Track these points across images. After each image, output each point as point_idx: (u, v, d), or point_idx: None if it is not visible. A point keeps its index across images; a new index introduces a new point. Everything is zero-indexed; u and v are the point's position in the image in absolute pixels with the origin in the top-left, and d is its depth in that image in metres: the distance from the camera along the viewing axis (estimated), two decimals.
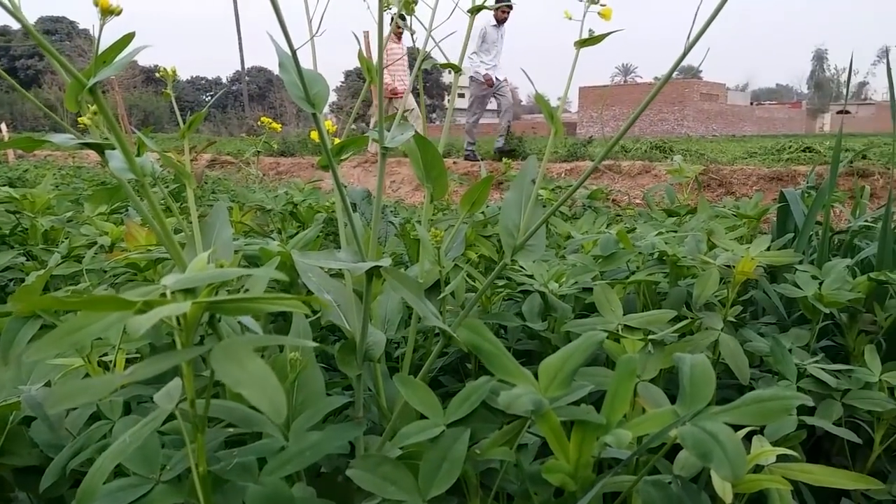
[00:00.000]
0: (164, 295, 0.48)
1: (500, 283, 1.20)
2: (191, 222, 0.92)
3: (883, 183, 5.52)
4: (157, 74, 0.87)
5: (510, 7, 8.09)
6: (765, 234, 1.87)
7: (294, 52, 0.62)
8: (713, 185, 6.19)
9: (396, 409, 0.82)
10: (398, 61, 8.33)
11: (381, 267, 0.69)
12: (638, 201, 5.48)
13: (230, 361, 0.41)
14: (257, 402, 0.38)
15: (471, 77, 8.11)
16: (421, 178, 0.93)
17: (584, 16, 0.71)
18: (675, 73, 0.69)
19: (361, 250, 0.76)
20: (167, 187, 2.05)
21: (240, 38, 31.76)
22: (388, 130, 0.92)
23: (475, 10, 0.98)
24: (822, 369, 1.03)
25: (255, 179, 3.42)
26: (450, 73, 1.02)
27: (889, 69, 1.81)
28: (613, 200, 5.23)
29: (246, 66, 40.27)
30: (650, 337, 0.85)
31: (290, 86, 0.64)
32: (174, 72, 0.84)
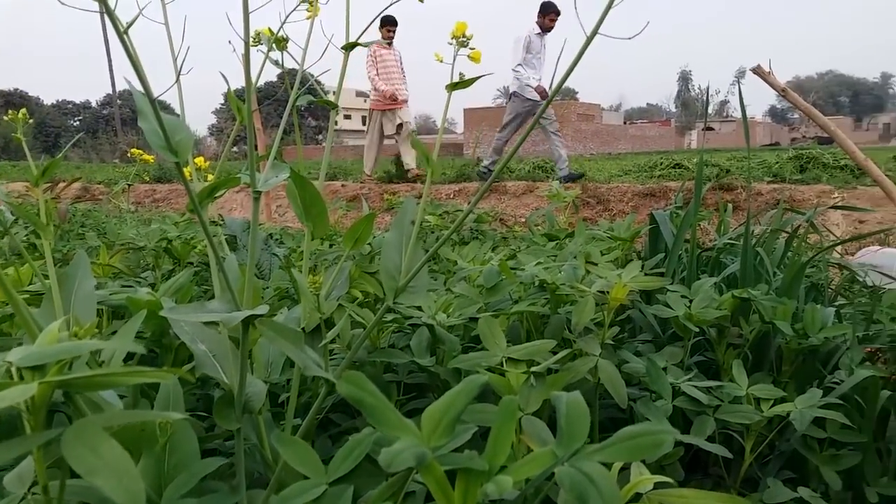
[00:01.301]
0: (8, 372, 0.44)
1: (389, 317, 1.19)
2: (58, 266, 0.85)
3: (745, 196, 5.95)
4: (6, 118, 0.80)
5: (558, 13, 7.24)
6: (638, 252, 1.97)
7: (153, 101, 0.59)
8: (592, 203, 6.47)
9: (281, 460, 0.79)
10: (393, 68, 7.91)
11: (256, 317, 0.67)
12: (524, 220, 5.64)
13: (82, 447, 0.38)
14: (112, 493, 0.35)
15: (513, 93, 7.47)
16: (300, 217, 0.90)
17: (454, 59, 0.72)
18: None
19: (235, 298, 0.73)
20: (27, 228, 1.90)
21: (110, 60, 30.26)
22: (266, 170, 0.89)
23: (349, 47, 0.97)
24: (695, 387, 1.09)
25: (127, 212, 3.25)
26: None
27: (740, 93, 1.96)
28: (501, 220, 5.35)
29: (118, 89, 38.39)
30: (532, 369, 0.86)
31: (151, 134, 0.60)
32: (24, 116, 0.78)
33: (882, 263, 2.10)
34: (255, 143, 0.83)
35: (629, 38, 0.58)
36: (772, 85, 3.43)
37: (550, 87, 0.64)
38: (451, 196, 7.27)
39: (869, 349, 1.43)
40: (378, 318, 0.76)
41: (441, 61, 0.73)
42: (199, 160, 1.14)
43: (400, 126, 8.04)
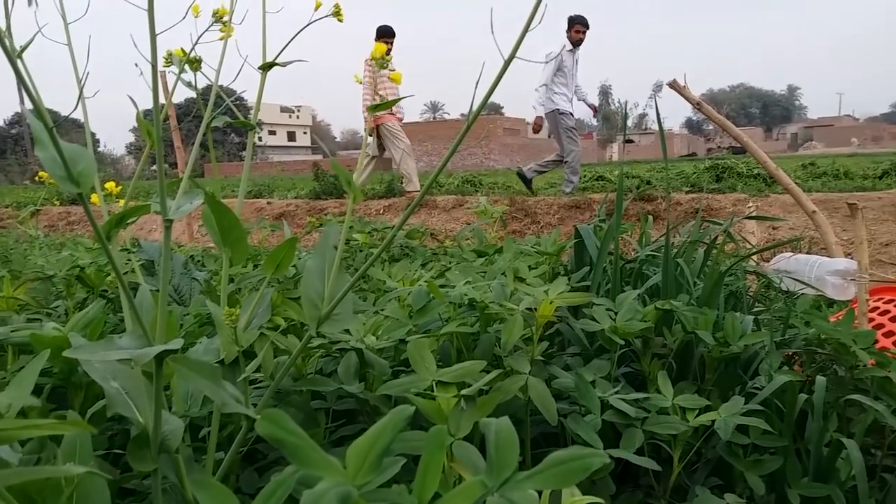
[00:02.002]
0: None
1: (316, 342, 1.16)
2: None
3: (665, 206, 6.15)
4: None
5: (587, 27, 6.82)
6: (565, 265, 1.99)
7: (51, 130, 0.55)
8: (520, 216, 6.55)
9: None
10: (390, 80, 7.31)
11: (169, 352, 0.63)
12: (454, 234, 5.65)
13: None
14: None
15: (548, 114, 6.99)
16: (218, 243, 0.87)
17: (374, 81, 0.71)
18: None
19: (147, 332, 0.69)
20: None
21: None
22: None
23: (266, 67, 0.95)
24: (623, 399, 1.10)
25: (36, 238, 3.08)
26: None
27: (657, 106, 2.02)
28: (432, 235, 5.35)
29: (28, 106, 36.66)
30: (462, 392, 0.85)
31: (49, 164, 0.56)
32: None
33: (795, 269, 2.20)
34: (166, 165, 0.80)
35: (546, 62, 0.59)
36: (687, 98, 3.57)
37: (470, 109, 0.63)
38: (381, 212, 7.23)
39: (786, 353, 1.48)
40: (301, 346, 0.74)
41: (360, 83, 0.72)
42: (110, 185, 1.09)
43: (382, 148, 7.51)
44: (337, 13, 0.88)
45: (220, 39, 0.85)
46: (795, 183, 2.99)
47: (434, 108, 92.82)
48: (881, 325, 1.69)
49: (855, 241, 1.78)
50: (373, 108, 0.71)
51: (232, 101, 1.03)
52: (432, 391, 0.88)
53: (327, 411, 1.14)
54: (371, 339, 1.15)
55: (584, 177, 8.71)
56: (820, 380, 1.22)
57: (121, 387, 0.77)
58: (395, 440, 0.56)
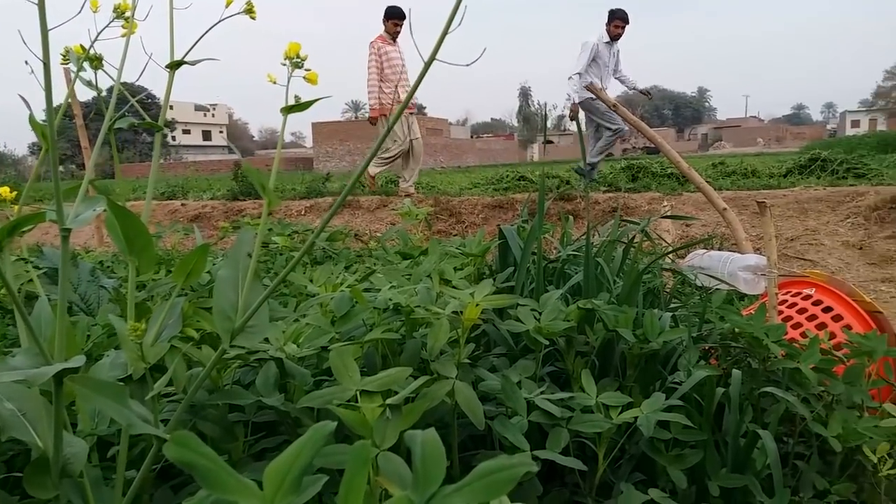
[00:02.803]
0: None
1: (232, 352, 1.11)
2: None
3: (584, 206, 6.29)
4: None
5: (626, 22, 6.84)
6: (490, 266, 2.00)
7: None
8: (444, 216, 6.56)
9: None
10: (398, 68, 6.76)
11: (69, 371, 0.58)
12: (379, 234, 5.61)
13: None
14: None
15: (580, 103, 6.87)
16: (123, 251, 0.82)
17: (288, 80, 0.68)
18: None
19: (44, 349, 0.64)
20: None
21: None
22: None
23: (174, 66, 0.90)
24: (549, 400, 1.10)
25: None
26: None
27: (578, 121, 2.05)
28: (356, 236, 5.28)
29: None
30: (388, 401, 0.83)
31: None
32: None
33: (709, 265, 2.28)
34: (73, 167, 0.74)
35: (467, 65, 0.57)
36: (604, 100, 3.65)
37: (392, 110, 0.61)
38: (303, 212, 7.10)
39: (703, 348, 1.53)
40: (215, 359, 0.70)
41: (274, 83, 0.68)
42: (4, 190, 1.01)
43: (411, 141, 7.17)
44: (249, 10, 0.84)
45: (123, 36, 0.80)
46: (707, 181, 3.11)
47: (356, 107, 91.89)
48: (790, 318, 1.76)
49: (764, 238, 1.86)
50: (286, 110, 0.68)
51: (142, 99, 0.97)
52: (356, 401, 0.85)
53: (246, 423, 1.10)
54: (292, 348, 1.11)
55: (507, 177, 8.81)
56: (736, 373, 1.26)
57: (17, 408, 0.72)
58: (316, 456, 0.54)
